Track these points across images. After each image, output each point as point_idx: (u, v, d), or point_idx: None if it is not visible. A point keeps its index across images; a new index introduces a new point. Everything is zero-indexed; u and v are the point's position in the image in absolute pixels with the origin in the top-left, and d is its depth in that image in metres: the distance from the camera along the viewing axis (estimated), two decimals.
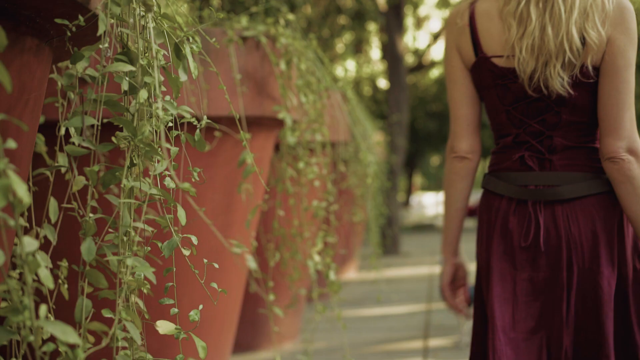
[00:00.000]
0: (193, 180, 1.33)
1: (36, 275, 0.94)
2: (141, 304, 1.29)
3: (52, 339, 1.09)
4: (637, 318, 1.66)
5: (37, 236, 1.40)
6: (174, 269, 1.34)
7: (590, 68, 1.64)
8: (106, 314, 1.21)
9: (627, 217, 1.65)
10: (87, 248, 1.16)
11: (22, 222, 1.32)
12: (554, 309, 1.66)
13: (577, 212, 1.68)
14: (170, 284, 1.35)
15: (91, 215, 1.25)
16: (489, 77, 1.73)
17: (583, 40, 1.62)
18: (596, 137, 1.71)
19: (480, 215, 1.89)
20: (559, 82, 1.64)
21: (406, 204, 19.11)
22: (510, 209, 1.75)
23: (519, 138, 1.73)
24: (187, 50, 1.30)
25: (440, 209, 20.89)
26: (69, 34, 1.25)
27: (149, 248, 1.31)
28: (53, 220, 1.30)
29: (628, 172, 1.61)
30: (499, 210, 1.77)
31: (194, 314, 1.30)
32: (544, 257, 1.69)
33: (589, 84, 1.66)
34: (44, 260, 1.21)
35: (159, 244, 1.28)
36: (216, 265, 1.43)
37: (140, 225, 1.25)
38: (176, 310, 1.31)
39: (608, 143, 1.62)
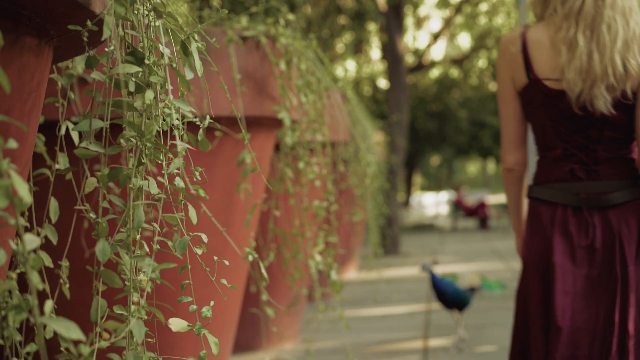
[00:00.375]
0: (195, 180, 1.34)
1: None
2: (143, 302, 1.29)
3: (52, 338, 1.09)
4: None
5: (37, 236, 1.40)
6: (189, 267, 1.34)
7: (629, 92, 1.89)
8: (118, 310, 1.21)
9: None
10: (102, 249, 1.16)
11: (23, 222, 1.32)
12: (607, 301, 1.90)
13: (627, 215, 1.93)
14: (187, 281, 1.36)
15: (102, 217, 1.25)
16: (540, 97, 1.96)
17: (625, 68, 1.87)
18: (632, 149, 1.97)
19: (532, 220, 2.06)
20: (603, 102, 1.88)
21: (406, 204, 19.11)
22: (567, 214, 1.97)
23: (567, 151, 1.96)
24: (193, 48, 1.30)
25: (440, 209, 20.89)
26: (85, 39, 1.24)
27: (158, 247, 1.31)
28: (53, 220, 1.30)
29: None
30: (555, 216, 1.98)
31: (206, 311, 1.31)
32: (600, 254, 1.93)
33: (628, 106, 1.91)
34: (46, 260, 1.21)
35: (169, 243, 1.28)
36: (226, 262, 1.43)
37: (148, 227, 1.26)
38: (195, 307, 1.32)
39: None
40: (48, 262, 1.25)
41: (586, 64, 1.87)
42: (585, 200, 1.96)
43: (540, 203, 2.02)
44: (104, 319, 1.19)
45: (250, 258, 1.65)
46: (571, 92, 1.89)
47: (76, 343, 1.06)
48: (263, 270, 1.66)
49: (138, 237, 1.24)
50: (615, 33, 1.86)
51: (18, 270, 1.23)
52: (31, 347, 0.93)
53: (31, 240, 0.86)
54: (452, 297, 4.02)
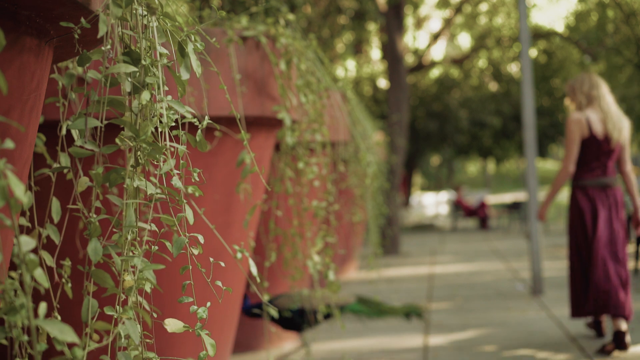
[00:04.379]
0: (193, 180, 1.33)
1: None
2: (145, 304, 1.29)
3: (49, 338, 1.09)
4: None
5: (39, 236, 1.39)
6: (190, 267, 1.34)
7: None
8: (108, 311, 1.21)
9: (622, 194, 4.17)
10: (94, 249, 1.16)
11: (24, 221, 1.32)
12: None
13: (616, 192, 4.06)
14: (187, 282, 1.36)
15: (95, 215, 1.25)
16: (594, 142, 4.00)
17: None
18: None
19: (579, 197, 4.08)
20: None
21: (406, 204, 19.11)
22: (597, 191, 4.06)
23: (596, 165, 4.06)
24: (190, 49, 1.30)
25: (440, 209, 20.87)
26: (76, 36, 1.25)
27: (156, 247, 1.31)
28: (56, 220, 1.30)
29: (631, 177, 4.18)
30: (590, 192, 4.07)
31: (202, 312, 1.31)
32: (610, 210, 4.04)
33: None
34: (48, 260, 1.21)
35: (167, 243, 1.28)
36: (222, 264, 1.43)
37: (144, 225, 1.25)
38: (195, 307, 1.32)
39: (625, 169, 4.18)
40: (50, 261, 1.25)
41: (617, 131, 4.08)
42: (603, 184, 4.06)
43: (582, 189, 4.09)
44: (94, 319, 1.19)
45: (240, 256, 1.64)
46: (609, 142, 4.07)
47: (71, 345, 1.06)
48: (254, 272, 1.66)
49: (130, 237, 1.24)
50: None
51: (20, 271, 1.23)
52: (41, 347, 0.93)
53: (27, 242, 0.85)
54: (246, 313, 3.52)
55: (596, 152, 3.97)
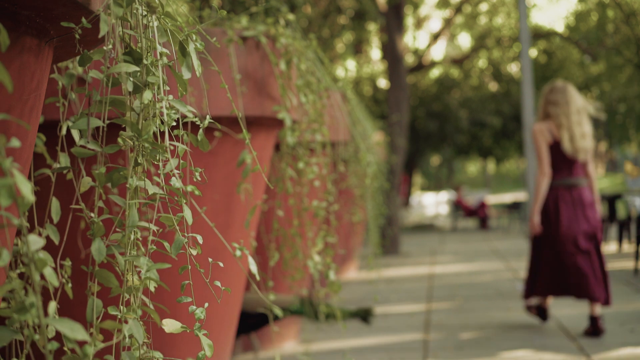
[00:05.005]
0: (194, 180, 1.34)
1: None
2: (149, 303, 1.29)
3: (58, 338, 1.09)
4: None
5: (39, 236, 1.40)
6: (189, 267, 1.34)
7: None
8: (112, 311, 1.22)
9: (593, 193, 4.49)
10: (97, 248, 1.16)
11: (23, 221, 1.32)
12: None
13: (581, 191, 4.39)
14: (187, 282, 1.36)
15: (97, 216, 1.25)
16: (558, 148, 4.38)
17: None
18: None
19: (549, 196, 4.41)
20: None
21: (406, 204, 19.11)
22: (563, 190, 4.41)
23: (562, 167, 4.42)
24: (191, 48, 1.30)
25: (440, 209, 20.87)
26: (77, 36, 1.25)
27: (154, 247, 1.31)
28: (55, 220, 1.30)
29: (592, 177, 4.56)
30: (558, 191, 4.41)
31: (199, 312, 1.31)
32: (576, 206, 4.38)
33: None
34: (48, 260, 1.21)
35: (165, 244, 1.28)
36: (221, 264, 1.43)
37: (145, 224, 1.25)
38: (194, 307, 1.32)
39: (590, 171, 4.50)
40: (50, 262, 1.25)
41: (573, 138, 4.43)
42: (569, 185, 4.42)
43: (554, 187, 4.43)
44: (99, 319, 1.19)
45: (239, 253, 1.64)
46: (569, 149, 4.43)
47: (81, 344, 1.06)
48: (254, 270, 1.66)
49: (133, 237, 1.24)
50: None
51: (19, 270, 1.23)
52: (52, 345, 0.93)
53: (35, 241, 0.86)
54: None
55: (561, 156, 4.35)
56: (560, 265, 4.25)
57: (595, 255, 4.27)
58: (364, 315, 3.83)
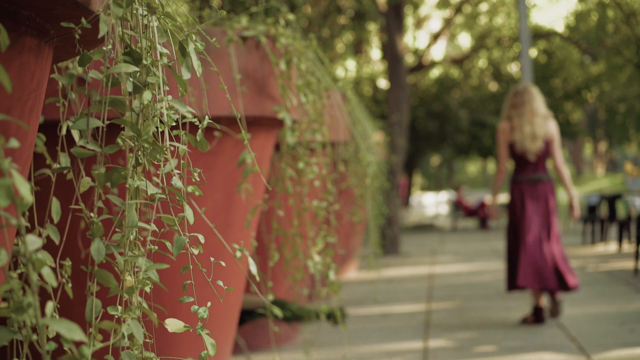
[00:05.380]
0: (194, 180, 1.34)
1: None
2: (144, 303, 1.29)
3: (56, 338, 1.09)
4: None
5: (39, 236, 1.40)
6: (190, 267, 1.34)
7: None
8: (112, 311, 1.21)
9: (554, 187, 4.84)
10: (97, 249, 1.16)
11: (23, 221, 1.32)
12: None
13: (545, 186, 4.71)
14: (188, 282, 1.36)
15: (97, 216, 1.25)
16: (515, 147, 4.73)
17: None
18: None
19: (513, 190, 4.77)
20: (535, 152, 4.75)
21: (406, 204, 19.11)
22: (526, 185, 4.73)
23: (526, 164, 4.75)
24: (191, 49, 1.30)
25: (440, 209, 20.88)
26: (77, 36, 1.25)
27: (156, 247, 1.31)
28: (55, 220, 1.30)
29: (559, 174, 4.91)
30: (522, 186, 4.74)
31: (202, 312, 1.31)
32: (539, 200, 4.71)
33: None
34: (47, 260, 1.21)
35: (167, 243, 1.28)
36: (223, 264, 1.43)
37: (144, 225, 1.25)
38: (196, 307, 1.32)
39: (556, 164, 4.83)
40: (50, 261, 1.25)
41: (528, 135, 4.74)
42: (533, 180, 4.74)
43: (516, 183, 4.78)
44: (98, 318, 1.19)
45: (239, 254, 1.64)
46: (523, 148, 4.73)
47: (78, 344, 1.06)
48: (254, 271, 1.66)
49: (132, 237, 1.24)
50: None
51: (19, 270, 1.23)
52: (50, 346, 0.93)
53: (33, 241, 0.86)
54: None
55: (524, 155, 4.70)
56: (527, 255, 4.59)
57: (552, 246, 4.62)
58: (335, 317, 3.83)
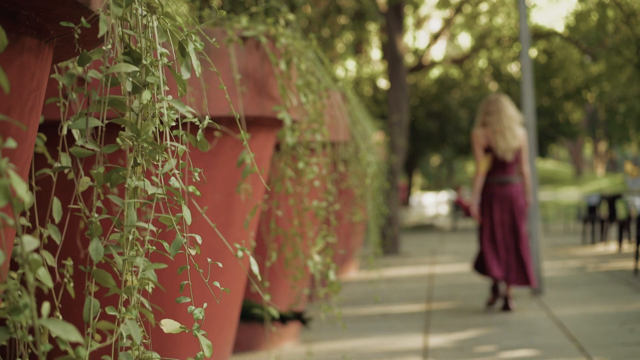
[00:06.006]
0: (194, 180, 1.33)
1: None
2: (147, 303, 1.29)
3: (53, 338, 1.09)
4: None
5: (40, 236, 1.39)
6: (188, 267, 1.34)
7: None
8: (110, 311, 1.21)
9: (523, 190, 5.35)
10: (95, 248, 1.16)
11: (24, 221, 1.32)
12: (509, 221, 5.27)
13: (512, 188, 5.22)
14: (185, 282, 1.36)
15: (96, 215, 1.25)
16: (492, 152, 5.17)
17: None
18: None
19: (485, 192, 5.24)
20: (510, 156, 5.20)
21: (406, 204, 19.10)
22: (497, 186, 5.21)
23: (496, 167, 5.23)
24: (190, 49, 1.30)
25: (440, 209, 20.88)
26: (76, 36, 1.25)
27: (154, 248, 1.31)
28: (57, 220, 1.30)
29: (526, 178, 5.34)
30: (493, 189, 5.23)
31: (198, 312, 1.31)
32: (506, 201, 5.23)
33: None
34: (49, 260, 1.21)
35: (164, 244, 1.28)
36: (220, 265, 1.43)
37: (144, 225, 1.25)
38: (193, 307, 1.32)
39: (525, 170, 5.32)
40: (51, 261, 1.25)
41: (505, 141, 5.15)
42: (503, 182, 5.20)
43: (489, 185, 5.24)
44: (96, 319, 1.19)
45: (241, 254, 1.64)
46: (500, 152, 5.16)
47: (74, 345, 1.06)
48: (255, 271, 1.66)
49: (131, 237, 1.24)
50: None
51: (20, 271, 1.23)
52: (45, 347, 0.93)
53: (30, 242, 0.85)
54: None
55: (495, 158, 5.21)
56: (493, 250, 5.20)
57: (518, 243, 5.18)
58: (303, 319, 3.86)
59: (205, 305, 1.36)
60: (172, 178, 1.28)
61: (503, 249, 5.18)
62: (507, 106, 5.21)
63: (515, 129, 5.16)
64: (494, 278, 5.19)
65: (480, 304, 5.58)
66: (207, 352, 1.27)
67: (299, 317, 3.84)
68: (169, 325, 1.27)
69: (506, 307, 5.15)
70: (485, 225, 5.25)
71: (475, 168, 5.29)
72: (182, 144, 1.33)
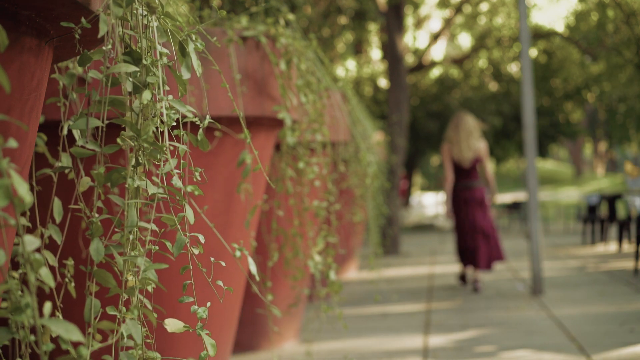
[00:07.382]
0: (194, 180, 1.34)
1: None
2: (148, 303, 1.29)
3: (55, 338, 1.09)
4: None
5: (41, 236, 1.39)
6: (190, 267, 1.34)
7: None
8: (111, 311, 1.21)
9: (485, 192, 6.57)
10: (96, 248, 1.16)
11: (25, 221, 1.32)
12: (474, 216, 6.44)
13: (475, 190, 6.36)
14: (188, 282, 1.36)
15: (97, 215, 1.25)
16: (456, 162, 6.44)
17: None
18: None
19: (455, 195, 6.43)
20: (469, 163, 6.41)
21: (406, 204, 19.11)
22: (465, 190, 6.38)
23: (462, 174, 6.44)
24: (191, 48, 1.30)
25: (440, 209, 20.89)
26: (77, 36, 1.25)
27: (156, 247, 1.31)
28: (58, 220, 1.30)
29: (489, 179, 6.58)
30: (462, 193, 6.41)
31: (202, 312, 1.31)
32: (471, 201, 6.37)
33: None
34: (50, 260, 1.21)
35: (167, 243, 1.28)
36: (223, 264, 1.43)
37: (145, 225, 1.25)
38: (196, 307, 1.32)
39: (486, 174, 6.54)
40: (52, 261, 1.25)
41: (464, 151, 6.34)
42: (468, 186, 6.34)
43: (458, 189, 6.40)
44: (97, 318, 1.19)
45: (239, 254, 1.64)
46: (462, 161, 6.37)
47: (76, 345, 1.06)
48: (254, 271, 1.66)
49: (132, 237, 1.24)
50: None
51: (21, 270, 1.23)
52: (47, 347, 0.93)
53: (31, 242, 0.85)
54: None
55: (459, 167, 6.35)
56: (465, 243, 6.32)
57: (485, 236, 6.28)
58: None
59: (209, 304, 1.36)
60: (174, 178, 1.28)
61: (471, 240, 6.26)
62: (466, 122, 6.31)
63: (471, 141, 6.29)
64: (464, 267, 6.43)
65: (480, 303, 5.59)
66: (212, 351, 1.27)
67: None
68: (172, 325, 1.27)
69: (476, 290, 6.18)
70: (458, 222, 6.37)
71: (444, 175, 6.54)
72: (182, 143, 1.33)
